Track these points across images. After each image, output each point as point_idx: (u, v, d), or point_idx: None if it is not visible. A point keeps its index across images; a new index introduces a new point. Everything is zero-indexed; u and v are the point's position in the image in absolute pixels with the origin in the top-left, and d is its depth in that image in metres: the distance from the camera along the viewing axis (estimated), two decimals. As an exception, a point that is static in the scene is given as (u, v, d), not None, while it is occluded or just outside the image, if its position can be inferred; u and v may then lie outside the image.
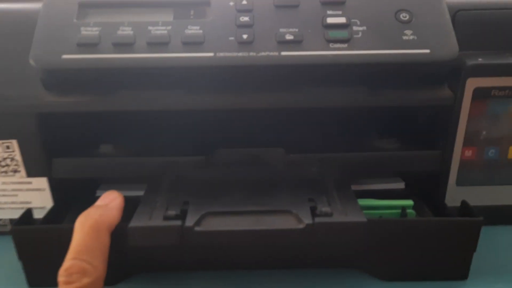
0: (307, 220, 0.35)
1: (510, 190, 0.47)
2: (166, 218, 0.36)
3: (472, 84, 0.42)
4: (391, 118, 0.52)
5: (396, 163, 0.45)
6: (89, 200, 0.47)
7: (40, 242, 0.39)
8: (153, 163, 0.45)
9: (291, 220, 0.36)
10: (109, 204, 0.39)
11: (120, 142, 0.49)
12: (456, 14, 0.44)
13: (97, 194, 0.49)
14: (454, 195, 0.46)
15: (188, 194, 0.39)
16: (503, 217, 0.48)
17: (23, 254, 0.39)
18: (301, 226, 0.35)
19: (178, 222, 0.35)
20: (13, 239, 0.38)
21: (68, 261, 0.33)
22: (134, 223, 0.35)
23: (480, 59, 0.42)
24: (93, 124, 0.50)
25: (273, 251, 0.42)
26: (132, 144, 0.49)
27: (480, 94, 0.43)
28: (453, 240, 0.39)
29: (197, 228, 0.35)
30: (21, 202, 0.46)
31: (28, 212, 0.41)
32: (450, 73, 0.43)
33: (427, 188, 0.47)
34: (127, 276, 0.42)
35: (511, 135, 0.45)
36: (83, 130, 0.50)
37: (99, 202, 0.39)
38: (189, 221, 0.35)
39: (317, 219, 0.35)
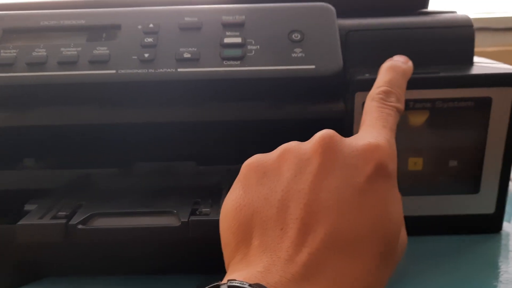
0: (184, 218, 0.40)
1: (412, 201, 0.51)
2: (55, 217, 0.41)
3: (361, 97, 0.47)
4: (297, 132, 0.56)
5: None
6: (15, 214, 0.52)
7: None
8: (71, 175, 0.51)
9: (170, 219, 0.40)
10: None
11: (42, 156, 0.54)
12: (347, 34, 0.49)
13: (26, 208, 0.54)
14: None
15: (85, 199, 0.44)
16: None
17: None
18: (177, 224, 0.39)
19: (63, 220, 0.40)
20: None
21: (383, 87, 0.38)
22: (23, 221, 0.40)
23: (367, 75, 0.47)
24: (15, 139, 0.55)
25: (172, 255, 0.46)
26: (54, 158, 0.55)
27: (370, 108, 0.47)
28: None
29: (80, 226, 0.39)
30: None
31: None
32: (344, 89, 0.48)
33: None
34: (33, 279, 0.46)
35: (407, 147, 0.49)
36: (5, 145, 0.55)
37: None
38: (74, 220, 0.40)
39: (192, 217, 0.39)
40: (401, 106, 0.39)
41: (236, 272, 0.29)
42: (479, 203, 0.51)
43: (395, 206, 0.33)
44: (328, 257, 0.29)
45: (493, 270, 0.47)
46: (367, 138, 0.35)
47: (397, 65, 0.41)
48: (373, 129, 0.37)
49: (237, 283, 0.27)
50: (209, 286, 0.27)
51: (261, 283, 0.27)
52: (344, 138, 0.35)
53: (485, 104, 0.47)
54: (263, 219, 0.31)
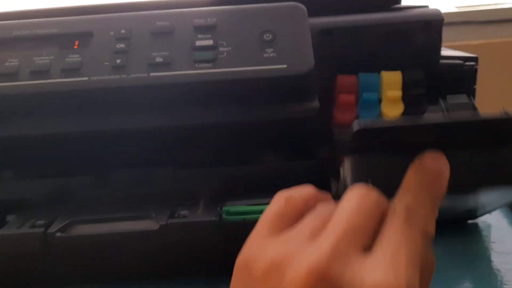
0: (162, 221, 0.41)
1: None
2: (33, 226, 0.41)
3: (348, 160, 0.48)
4: (274, 133, 0.58)
5: (274, 175, 0.51)
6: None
7: None
8: (50, 184, 0.51)
9: (149, 223, 0.42)
10: None
11: (20, 167, 0.55)
12: (319, 32, 0.50)
13: (7, 219, 0.54)
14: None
15: (65, 207, 0.45)
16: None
17: None
18: (155, 227, 0.41)
19: (41, 229, 0.41)
20: None
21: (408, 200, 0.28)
22: (1, 231, 0.41)
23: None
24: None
25: (149, 260, 0.47)
26: (32, 168, 0.55)
27: (345, 104, 0.49)
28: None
29: (58, 234, 0.40)
30: None
31: None
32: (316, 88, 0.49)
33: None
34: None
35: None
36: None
37: None
38: (53, 228, 0.41)
39: (170, 220, 0.41)
40: (431, 228, 0.30)
41: None
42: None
43: None
44: None
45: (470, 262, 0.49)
46: (378, 273, 0.25)
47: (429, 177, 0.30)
48: (390, 258, 0.27)
49: None
50: None
51: None
52: (345, 267, 0.26)
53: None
54: None
